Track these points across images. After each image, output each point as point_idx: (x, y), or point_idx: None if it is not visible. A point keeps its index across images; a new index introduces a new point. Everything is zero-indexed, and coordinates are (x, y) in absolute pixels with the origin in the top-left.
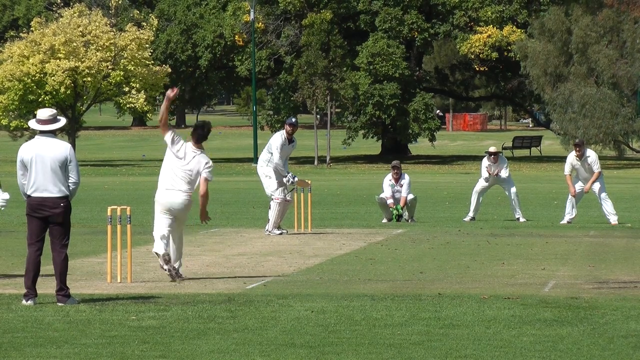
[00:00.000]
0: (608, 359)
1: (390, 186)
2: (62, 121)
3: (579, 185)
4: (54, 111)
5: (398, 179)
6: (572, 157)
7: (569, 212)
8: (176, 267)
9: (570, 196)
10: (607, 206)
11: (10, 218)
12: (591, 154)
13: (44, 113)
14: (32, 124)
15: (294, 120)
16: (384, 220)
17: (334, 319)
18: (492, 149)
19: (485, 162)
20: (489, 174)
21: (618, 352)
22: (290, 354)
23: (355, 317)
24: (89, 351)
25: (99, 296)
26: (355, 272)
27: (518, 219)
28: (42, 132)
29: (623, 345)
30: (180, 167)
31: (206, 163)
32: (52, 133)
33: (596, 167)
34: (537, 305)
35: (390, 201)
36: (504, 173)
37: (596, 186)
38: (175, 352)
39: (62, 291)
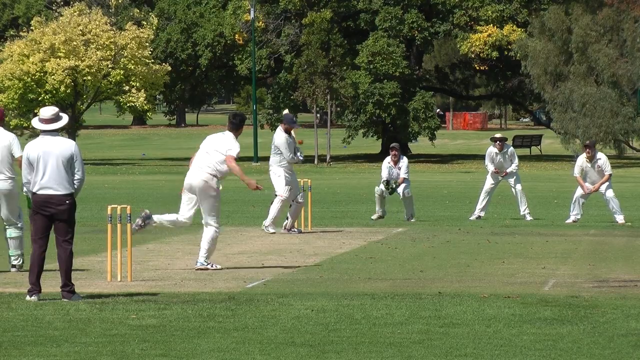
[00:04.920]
0: (608, 357)
1: (388, 168)
2: (65, 119)
3: (587, 187)
4: (56, 109)
5: (397, 161)
6: (582, 160)
7: (577, 213)
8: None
9: (576, 196)
10: (614, 205)
11: None
12: (602, 157)
13: (47, 112)
14: (36, 123)
15: (290, 117)
16: (374, 217)
17: (334, 317)
18: (497, 135)
19: (490, 150)
20: (497, 173)
21: (618, 351)
22: (290, 353)
23: (355, 315)
24: (89, 350)
25: (99, 295)
26: (356, 270)
27: (524, 216)
28: (46, 131)
29: (623, 344)
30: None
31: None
32: (56, 131)
33: (607, 170)
34: (537, 304)
35: (385, 175)
36: (513, 167)
37: (604, 186)
38: (176, 350)
39: (67, 287)
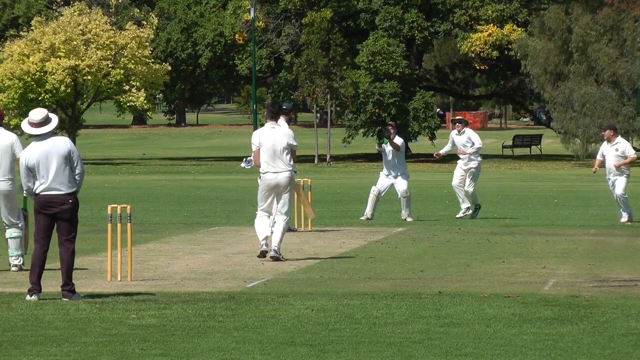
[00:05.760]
0: (608, 357)
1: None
2: (54, 121)
3: (609, 182)
4: (46, 112)
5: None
6: (604, 143)
7: (626, 209)
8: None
9: (616, 195)
10: (621, 205)
11: None
12: (622, 141)
13: (36, 115)
14: (25, 127)
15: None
16: (362, 218)
17: (334, 317)
18: (458, 117)
19: (451, 134)
20: (454, 143)
21: (618, 351)
22: (290, 353)
23: (355, 315)
24: (89, 349)
25: (99, 294)
26: (356, 270)
27: (474, 214)
28: (38, 136)
29: (623, 343)
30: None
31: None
32: (47, 134)
33: (629, 154)
34: (537, 303)
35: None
36: (471, 149)
37: (619, 184)
38: (176, 350)
39: (68, 286)
